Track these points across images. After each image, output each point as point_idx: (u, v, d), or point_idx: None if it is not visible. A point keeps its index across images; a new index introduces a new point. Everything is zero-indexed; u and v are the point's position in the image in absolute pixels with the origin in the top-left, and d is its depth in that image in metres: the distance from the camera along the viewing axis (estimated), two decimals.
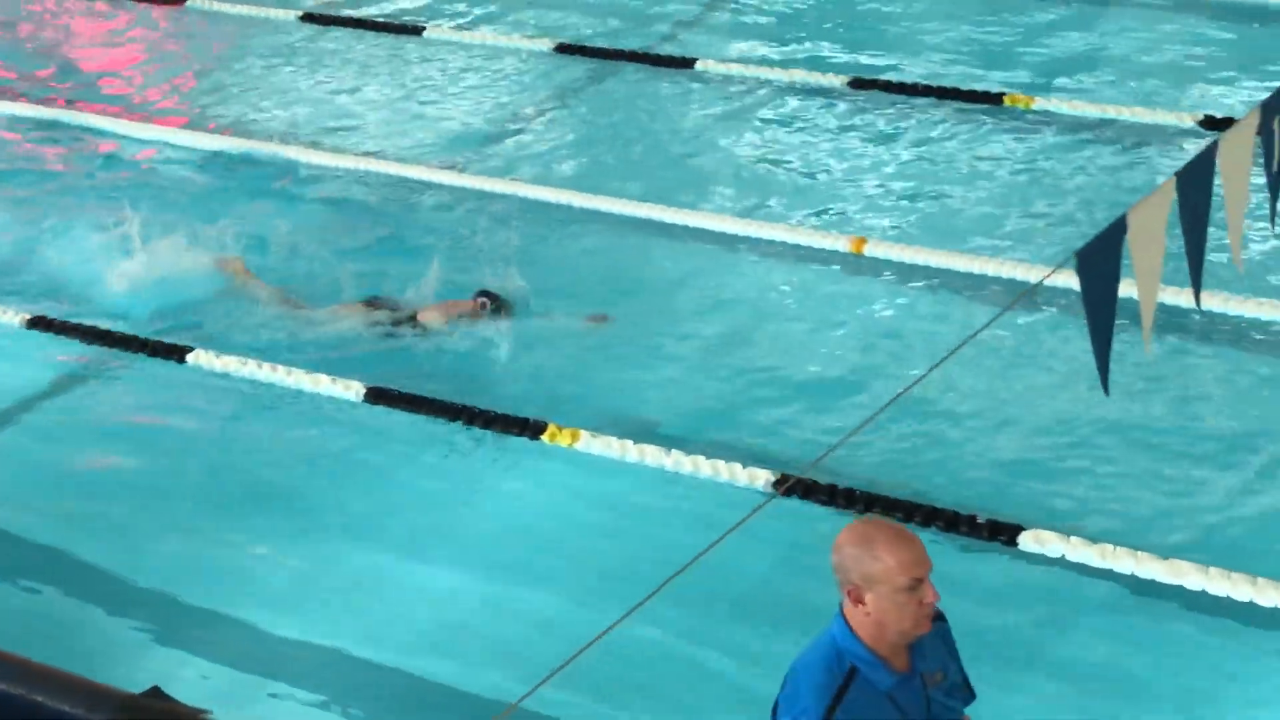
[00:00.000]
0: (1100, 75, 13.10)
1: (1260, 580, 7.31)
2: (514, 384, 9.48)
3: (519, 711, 6.10)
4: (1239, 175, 5.63)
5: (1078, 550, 7.65)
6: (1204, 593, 7.38)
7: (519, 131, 12.90)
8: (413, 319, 10.03)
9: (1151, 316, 5.17)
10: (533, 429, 8.83)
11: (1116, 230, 4.94)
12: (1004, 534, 7.81)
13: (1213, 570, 7.42)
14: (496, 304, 10.00)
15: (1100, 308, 4.91)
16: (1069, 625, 7.40)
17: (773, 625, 7.31)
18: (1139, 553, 7.57)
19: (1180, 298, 6.10)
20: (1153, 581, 7.48)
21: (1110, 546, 7.63)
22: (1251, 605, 7.29)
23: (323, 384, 9.34)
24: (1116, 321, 4.87)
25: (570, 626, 7.09)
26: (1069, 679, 7.06)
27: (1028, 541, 7.74)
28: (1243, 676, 7.01)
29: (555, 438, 8.74)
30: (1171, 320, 9.00)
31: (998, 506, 8.05)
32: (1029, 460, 8.55)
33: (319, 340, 9.90)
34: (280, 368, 9.50)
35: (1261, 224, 9.27)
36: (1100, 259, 4.90)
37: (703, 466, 8.42)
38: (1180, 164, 5.41)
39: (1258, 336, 9.42)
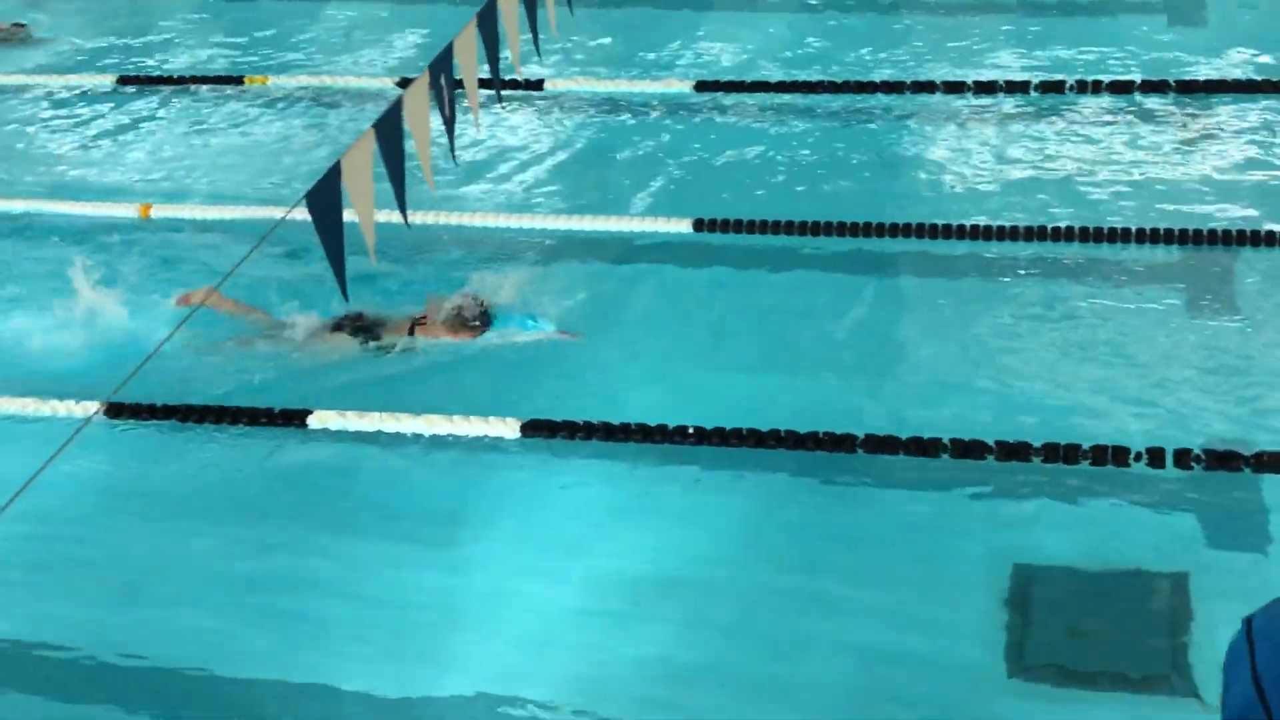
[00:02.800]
0: (323, 51, 13.04)
1: (500, 419, 7.59)
2: None
3: None
4: (421, 120, 5.84)
5: (355, 422, 7.72)
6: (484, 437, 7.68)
7: None
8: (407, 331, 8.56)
9: (372, 235, 5.30)
10: None
11: (333, 173, 5.02)
12: (295, 419, 7.79)
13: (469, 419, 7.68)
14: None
15: (330, 234, 5.01)
16: (365, 489, 7.49)
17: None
18: (400, 414, 7.73)
19: (394, 217, 6.23)
20: (418, 435, 7.64)
21: (378, 414, 7.75)
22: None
23: None
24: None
25: None
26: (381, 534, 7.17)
27: (314, 422, 7.75)
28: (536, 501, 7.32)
29: None
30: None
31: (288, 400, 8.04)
32: (297, 356, 8.53)
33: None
34: None
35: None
36: (325, 196, 4.97)
37: (28, 405, 7.93)
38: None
39: (477, 240, 9.69)
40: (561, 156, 10.91)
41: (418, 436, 7.70)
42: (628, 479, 7.48)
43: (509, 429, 7.65)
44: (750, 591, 6.76)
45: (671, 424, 7.57)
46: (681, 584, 6.80)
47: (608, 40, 12.80)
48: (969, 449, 7.25)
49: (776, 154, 10.64)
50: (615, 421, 7.63)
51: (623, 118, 11.39)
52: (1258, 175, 9.78)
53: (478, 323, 8.47)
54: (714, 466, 7.50)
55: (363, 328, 8.50)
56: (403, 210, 5.73)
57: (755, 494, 7.37)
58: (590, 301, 9.04)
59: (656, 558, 6.91)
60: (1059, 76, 11.05)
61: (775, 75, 11.65)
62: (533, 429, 7.65)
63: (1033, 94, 10.87)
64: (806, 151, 10.66)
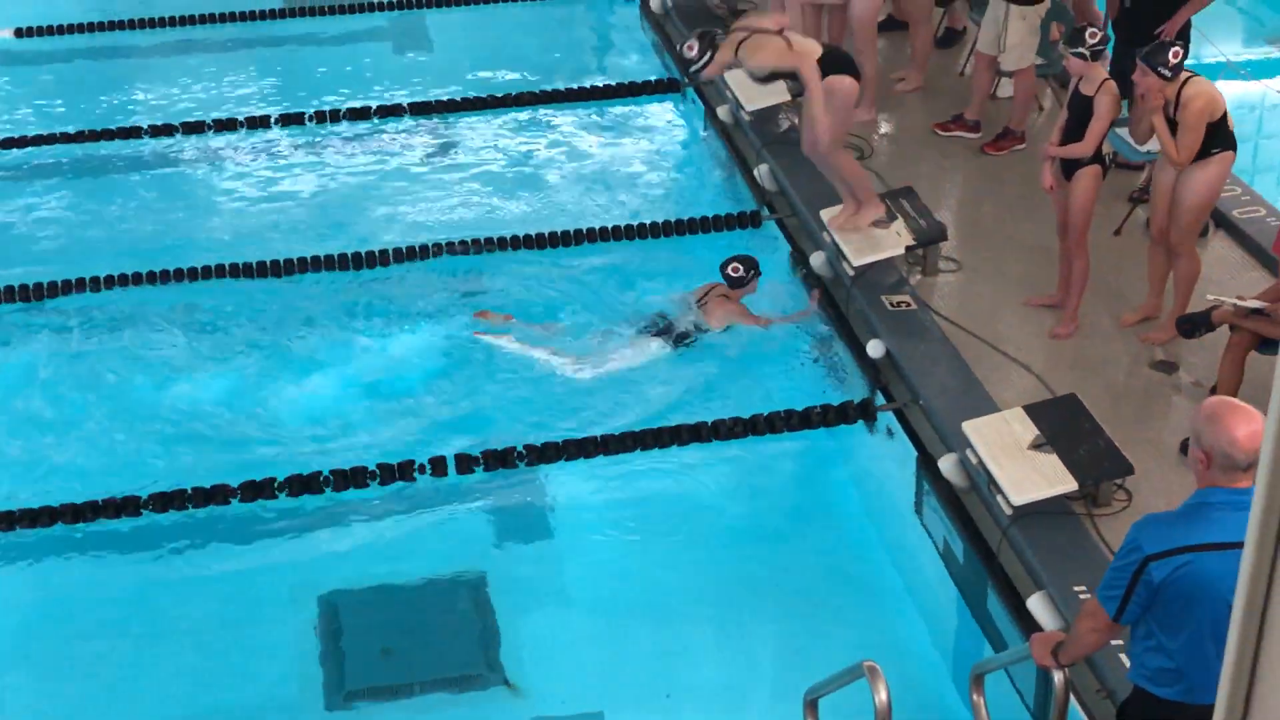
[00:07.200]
0: None
1: None
2: None
3: None
4: None
5: None
6: None
7: None
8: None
9: None
10: None
11: None
12: None
13: None
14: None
15: None
16: None
17: None
18: None
19: None
20: None
21: None
22: None
23: None
24: None
25: None
26: None
27: None
28: None
29: None
30: None
31: None
32: None
33: None
34: None
35: None
36: None
37: None
38: None
39: None
40: None
41: None
42: None
43: None
44: (45, 674, 6.46)
45: None
46: None
47: None
48: (259, 489, 7.24)
49: (7, 215, 10.11)
50: None
51: None
52: (498, 185, 10.46)
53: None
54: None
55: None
56: None
57: (47, 574, 7.03)
58: None
59: None
60: (298, 109, 11.23)
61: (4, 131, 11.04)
62: None
63: (274, 128, 10.98)
64: (42, 209, 10.19)
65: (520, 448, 7.47)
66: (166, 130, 10.91)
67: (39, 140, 10.84)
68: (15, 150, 10.75)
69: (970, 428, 6.58)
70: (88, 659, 6.57)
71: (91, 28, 12.62)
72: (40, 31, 12.57)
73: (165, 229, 9.91)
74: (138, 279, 9.01)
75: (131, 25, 12.65)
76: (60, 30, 12.57)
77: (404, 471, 7.36)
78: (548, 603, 6.95)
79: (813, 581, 7.03)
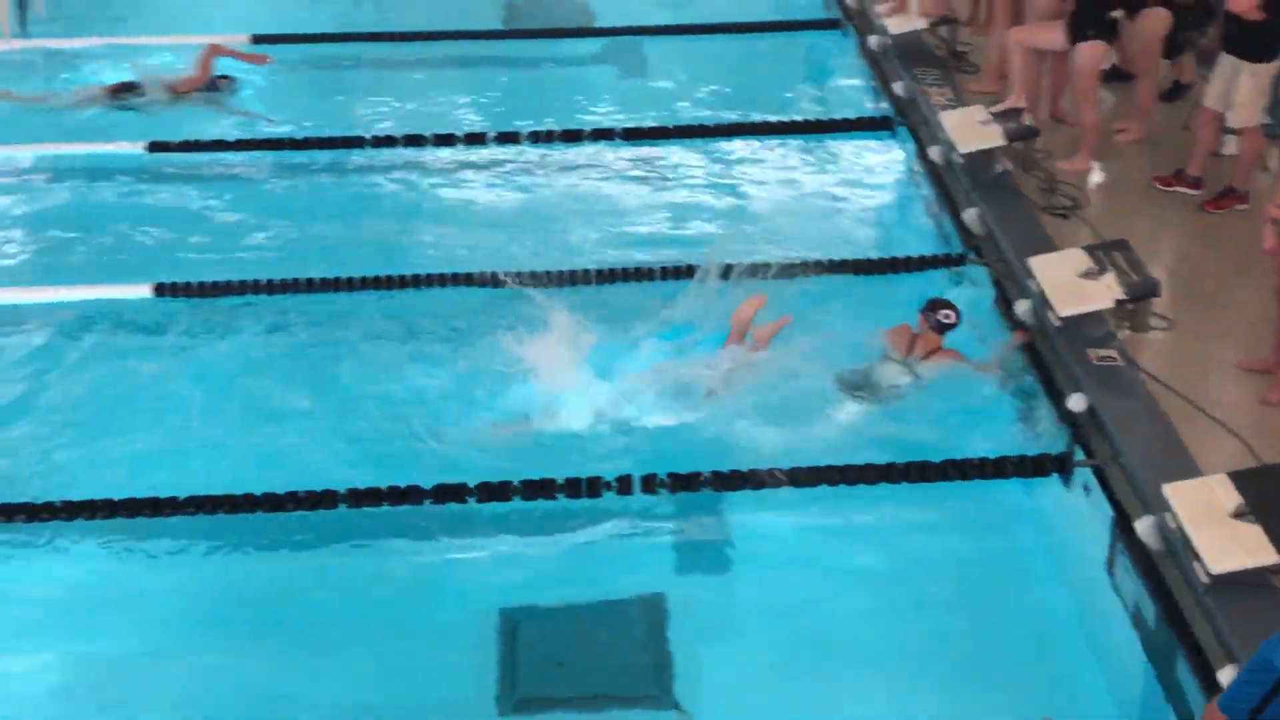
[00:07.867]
0: None
1: None
2: None
3: None
4: None
5: None
6: None
7: None
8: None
9: None
10: None
11: None
12: None
13: None
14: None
15: None
16: None
17: None
18: None
19: None
20: None
21: None
22: None
23: None
24: None
25: None
26: None
27: None
28: None
29: None
30: None
31: None
32: None
33: None
34: None
35: None
36: None
37: None
38: None
39: None
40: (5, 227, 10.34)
41: None
42: (92, 560, 7.19)
43: None
44: (222, 663, 6.67)
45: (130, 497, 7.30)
46: (143, 672, 6.66)
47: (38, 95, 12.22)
48: (452, 493, 7.38)
49: (234, 214, 10.50)
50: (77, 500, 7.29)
51: (67, 184, 10.90)
52: (705, 211, 10.54)
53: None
54: (190, 537, 7.33)
55: None
56: None
57: (239, 562, 7.26)
58: (42, 375, 8.59)
59: (121, 639, 6.77)
60: (514, 127, 11.49)
61: (234, 134, 11.49)
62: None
63: (489, 145, 11.24)
64: (265, 210, 10.58)
65: (706, 474, 7.49)
66: (388, 141, 11.27)
67: (263, 144, 11.28)
68: (240, 153, 11.21)
69: (1171, 490, 6.39)
70: (265, 649, 6.75)
71: (323, 38, 13.11)
72: (275, 39, 13.12)
73: (378, 236, 10.21)
74: (351, 283, 9.29)
75: (360, 38, 13.10)
76: (293, 39, 13.09)
77: (591, 487, 7.45)
78: (723, 632, 6.93)
79: (995, 632, 6.90)
